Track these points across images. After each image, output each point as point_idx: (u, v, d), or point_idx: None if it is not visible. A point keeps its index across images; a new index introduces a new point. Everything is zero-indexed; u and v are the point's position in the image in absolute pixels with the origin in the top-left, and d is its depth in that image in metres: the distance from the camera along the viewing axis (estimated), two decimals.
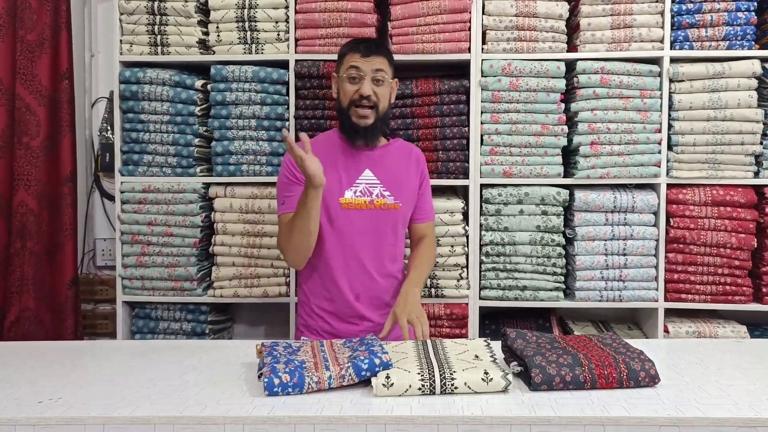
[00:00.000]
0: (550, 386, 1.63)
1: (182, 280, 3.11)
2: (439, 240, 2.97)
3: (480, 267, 3.04)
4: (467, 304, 3.04)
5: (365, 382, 1.65)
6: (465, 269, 3.03)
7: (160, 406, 1.56)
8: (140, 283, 3.14)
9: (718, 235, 2.91)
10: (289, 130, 3.05)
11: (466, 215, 3.01)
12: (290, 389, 1.62)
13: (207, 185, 3.12)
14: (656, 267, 2.98)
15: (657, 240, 2.96)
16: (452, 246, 2.99)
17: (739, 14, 2.88)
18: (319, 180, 2.10)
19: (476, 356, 1.77)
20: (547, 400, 1.56)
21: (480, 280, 3.04)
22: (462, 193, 3.13)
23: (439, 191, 3.12)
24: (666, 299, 2.98)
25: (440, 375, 1.63)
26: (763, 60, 2.91)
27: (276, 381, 1.62)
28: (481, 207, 3.01)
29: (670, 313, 3.06)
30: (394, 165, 2.40)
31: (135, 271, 3.13)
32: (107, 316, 3.46)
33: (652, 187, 3.01)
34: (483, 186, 3.02)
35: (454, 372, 1.64)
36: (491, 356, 1.77)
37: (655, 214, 2.97)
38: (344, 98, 2.33)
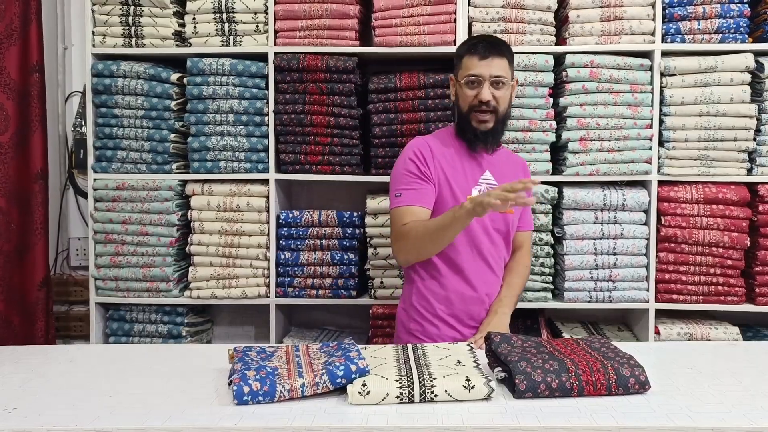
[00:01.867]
0: (535, 393, 1.54)
1: (158, 281, 3.01)
2: None
3: None
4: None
5: (341, 390, 1.55)
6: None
7: (121, 417, 1.46)
8: (114, 284, 3.04)
9: (710, 234, 2.83)
10: (267, 125, 2.95)
11: None
12: (261, 398, 1.52)
13: (183, 182, 3.03)
14: (647, 267, 2.90)
15: (648, 239, 2.88)
16: None
17: (732, 6, 2.80)
18: (485, 214, 2.04)
19: (458, 361, 1.68)
20: (532, 409, 1.47)
21: None
22: None
23: None
24: (657, 300, 2.90)
25: (419, 382, 1.53)
26: (757, 54, 2.83)
27: (246, 389, 1.52)
28: None
29: (661, 314, 2.98)
30: (507, 170, 2.35)
31: (109, 271, 3.03)
32: (82, 318, 3.35)
33: (643, 185, 2.92)
34: None
35: (434, 379, 1.55)
36: (474, 361, 1.68)
37: (646, 212, 2.89)
38: (463, 104, 2.26)
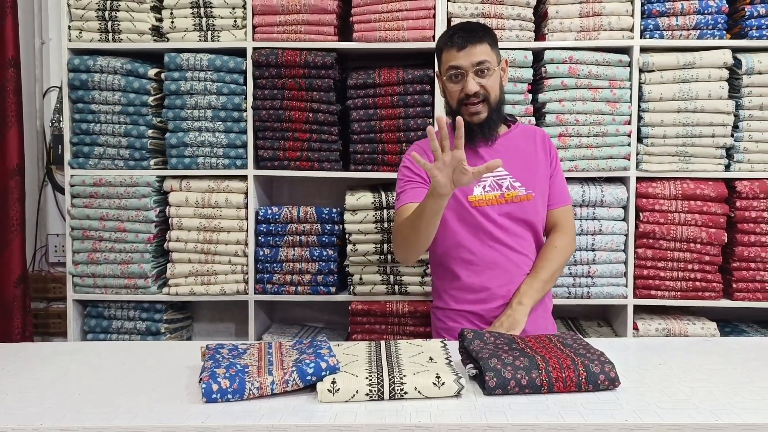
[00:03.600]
0: (505, 390, 1.53)
1: (136, 278, 2.99)
2: None
3: None
4: (432, 301, 2.94)
5: (312, 388, 1.54)
6: (429, 265, 2.92)
7: (88, 415, 1.44)
8: (92, 280, 3.01)
9: (688, 230, 2.84)
10: (246, 121, 2.94)
11: None
12: (230, 395, 1.51)
13: (161, 178, 3.01)
14: (625, 263, 2.90)
15: (626, 235, 2.88)
16: None
17: (711, 2, 2.80)
18: (444, 191, 1.90)
19: (430, 358, 1.68)
20: (501, 406, 1.46)
21: None
22: None
23: None
24: (635, 296, 2.90)
25: (389, 379, 1.52)
26: (735, 50, 2.84)
27: (215, 387, 1.51)
28: None
29: (639, 309, 2.99)
30: (521, 152, 2.24)
31: (86, 268, 3.01)
32: (60, 315, 3.33)
33: (622, 181, 2.92)
34: None
35: (404, 376, 1.54)
36: (446, 358, 1.67)
37: (625, 208, 2.89)
38: (451, 99, 2.20)
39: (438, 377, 1.53)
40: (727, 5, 2.82)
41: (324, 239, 2.95)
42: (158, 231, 3.01)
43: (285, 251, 2.97)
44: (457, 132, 1.84)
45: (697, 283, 2.87)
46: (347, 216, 2.90)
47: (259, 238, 2.99)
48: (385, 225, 2.87)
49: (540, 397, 1.51)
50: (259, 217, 2.98)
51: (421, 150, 2.27)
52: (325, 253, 2.96)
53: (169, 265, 3.01)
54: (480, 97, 2.14)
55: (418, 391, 1.51)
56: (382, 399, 1.50)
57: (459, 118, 1.87)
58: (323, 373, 1.56)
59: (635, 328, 2.89)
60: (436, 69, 2.31)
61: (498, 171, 2.20)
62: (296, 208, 2.97)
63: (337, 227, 2.95)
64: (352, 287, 2.96)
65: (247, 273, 2.99)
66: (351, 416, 1.42)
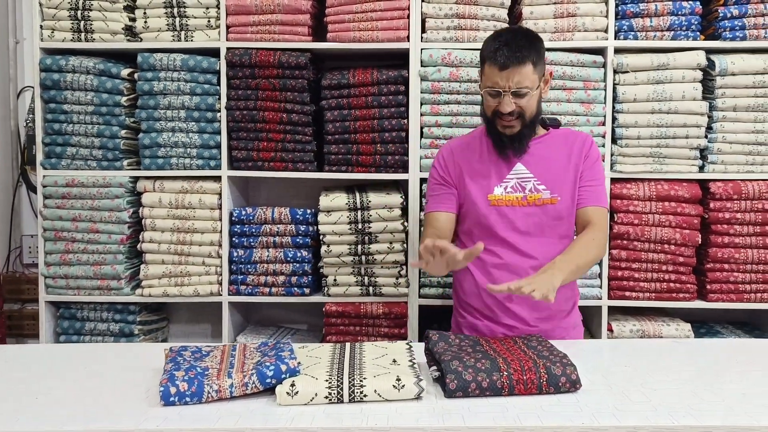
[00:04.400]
0: (466, 393, 1.53)
1: (109, 279, 2.97)
2: (377, 236, 2.87)
3: None
4: (406, 302, 2.93)
5: (273, 390, 1.53)
6: (404, 267, 2.92)
7: (42, 419, 1.43)
8: (65, 282, 2.99)
9: (662, 231, 2.84)
10: (220, 121, 2.92)
11: (405, 210, 2.90)
12: (188, 398, 1.50)
13: (135, 179, 2.98)
14: (600, 264, 2.90)
15: None
16: (391, 243, 2.88)
17: (684, 4, 2.80)
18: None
19: (394, 360, 1.67)
20: (461, 408, 1.46)
21: (420, 277, 2.94)
22: (401, 187, 3.00)
23: (379, 186, 3.01)
24: (610, 297, 2.90)
25: (349, 382, 1.52)
26: (709, 51, 2.84)
27: (173, 390, 1.50)
28: (420, 202, 2.90)
29: (615, 311, 2.98)
30: (552, 156, 2.20)
31: (59, 269, 2.98)
32: (34, 317, 3.29)
33: None
34: (423, 180, 2.90)
35: (365, 379, 1.53)
36: (410, 361, 1.67)
37: None
38: (487, 109, 2.17)
39: (398, 380, 1.53)
40: (700, 7, 2.82)
41: (298, 240, 2.94)
42: (131, 232, 2.99)
43: (259, 252, 2.95)
44: (468, 252, 1.91)
45: (672, 285, 2.87)
46: (321, 217, 2.88)
47: (233, 239, 2.97)
48: (360, 226, 2.86)
49: (501, 400, 1.51)
50: (233, 218, 2.96)
51: (450, 151, 2.29)
52: (299, 254, 2.94)
53: (142, 266, 2.99)
54: (515, 115, 2.12)
55: (378, 394, 1.51)
56: (342, 402, 1.50)
57: (428, 245, 1.92)
58: (283, 376, 1.55)
59: (610, 329, 2.89)
60: (477, 72, 2.31)
61: (522, 173, 2.19)
62: (270, 209, 2.95)
63: (311, 228, 2.94)
64: (326, 288, 2.94)
65: (221, 274, 2.97)
66: (309, 419, 1.42)
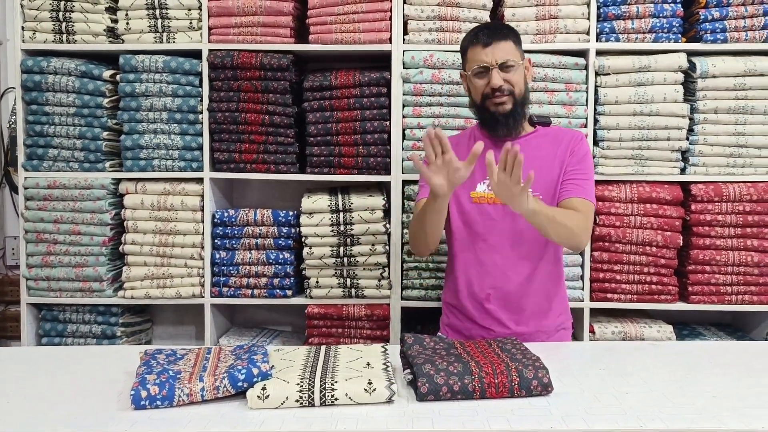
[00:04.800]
0: (437, 396, 1.52)
1: (91, 281, 2.96)
2: (359, 238, 2.87)
3: (402, 266, 2.93)
4: (389, 304, 2.93)
5: (245, 394, 1.53)
6: (386, 268, 2.92)
7: (9, 423, 1.43)
8: (46, 283, 2.98)
9: (644, 233, 2.84)
10: (202, 123, 2.91)
11: (387, 212, 2.90)
12: (159, 402, 1.50)
13: (117, 181, 2.97)
14: (582, 266, 2.90)
15: None
16: (373, 245, 2.88)
17: (666, 6, 2.81)
18: (440, 191, 2.00)
19: (368, 364, 1.67)
20: (431, 412, 1.46)
21: (402, 279, 2.94)
22: (383, 189, 3.00)
23: (362, 188, 3.01)
24: (591, 299, 2.90)
25: (320, 386, 1.51)
26: (690, 53, 2.84)
27: (143, 393, 1.50)
28: (403, 204, 2.90)
29: (597, 312, 2.99)
30: (538, 153, 2.20)
31: (40, 271, 2.97)
32: (17, 319, 3.27)
33: None
34: (405, 182, 2.91)
35: (336, 382, 1.53)
36: (384, 364, 1.67)
37: None
38: (476, 95, 2.20)
39: (370, 383, 1.53)
40: (682, 9, 2.83)
41: (280, 242, 2.93)
42: (113, 234, 2.98)
43: (241, 254, 2.94)
44: (439, 141, 1.96)
45: (653, 287, 2.88)
46: (303, 219, 2.88)
47: (216, 240, 2.97)
48: (342, 228, 2.86)
49: (473, 403, 1.51)
50: (215, 220, 2.96)
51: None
52: (281, 256, 2.93)
53: (124, 268, 2.98)
54: (505, 91, 2.15)
55: (349, 398, 1.51)
56: (313, 405, 1.50)
57: (430, 129, 1.98)
58: (255, 379, 1.55)
59: (591, 331, 2.89)
60: (461, 67, 2.29)
61: None
62: (252, 210, 2.95)
63: (293, 230, 2.93)
64: (308, 290, 2.94)
65: (203, 276, 2.97)
66: (278, 423, 1.42)
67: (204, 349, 1.79)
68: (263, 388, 1.51)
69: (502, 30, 2.20)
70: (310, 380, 1.54)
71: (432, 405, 1.50)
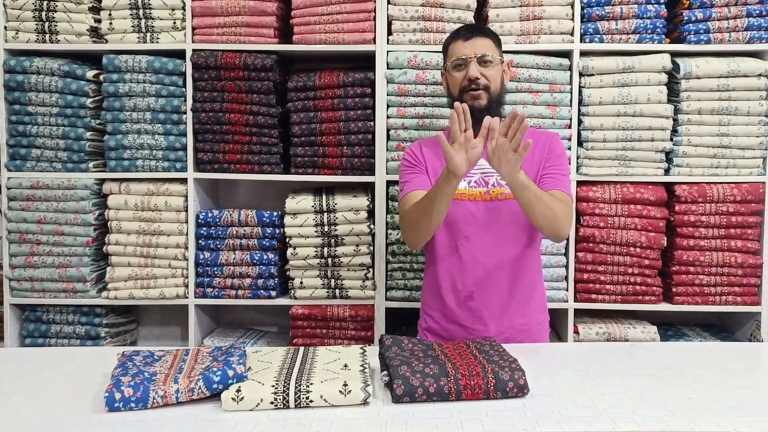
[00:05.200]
0: (413, 398, 1.52)
1: (74, 281, 2.95)
2: (343, 239, 2.86)
3: (386, 267, 2.92)
4: (373, 305, 2.93)
5: (220, 396, 1.52)
6: (371, 269, 2.91)
7: None
8: (30, 284, 2.97)
9: (628, 234, 2.84)
10: (185, 123, 2.91)
11: (371, 213, 2.89)
12: (133, 404, 1.49)
13: (100, 181, 2.97)
14: (566, 266, 2.90)
15: (567, 239, 2.88)
16: (357, 245, 2.88)
17: (649, 7, 2.81)
18: (460, 171, 1.98)
19: (345, 365, 1.66)
20: (406, 414, 1.46)
21: (386, 280, 2.93)
22: (368, 190, 3.00)
23: (347, 188, 3.00)
24: (576, 299, 2.90)
25: (296, 387, 1.51)
26: (674, 54, 2.85)
27: (117, 396, 1.49)
28: (387, 204, 2.90)
29: (582, 313, 2.99)
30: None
31: (24, 271, 2.96)
32: (2, 319, 3.27)
33: None
34: (390, 183, 2.90)
35: (311, 384, 1.52)
36: (362, 365, 1.66)
37: None
38: (454, 88, 2.23)
39: (345, 385, 1.52)
40: (665, 10, 2.83)
41: (265, 243, 2.93)
42: (97, 234, 2.97)
43: (225, 255, 2.94)
44: (464, 116, 1.96)
45: (637, 287, 2.88)
46: (287, 219, 2.88)
47: (200, 241, 2.96)
48: (326, 228, 2.85)
49: (448, 405, 1.51)
50: (200, 221, 2.95)
51: (419, 147, 2.32)
52: (265, 256, 2.93)
53: (108, 268, 2.97)
54: (481, 85, 2.17)
55: (324, 399, 1.50)
56: (288, 407, 1.49)
57: (458, 104, 1.97)
58: (230, 381, 1.54)
59: (576, 332, 2.89)
60: (443, 65, 2.32)
61: (486, 168, 2.21)
62: (237, 211, 2.94)
63: (277, 231, 2.93)
64: (292, 291, 2.94)
65: (187, 277, 2.96)
66: (252, 425, 1.41)
67: (182, 350, 1.78)
68: (238, 390, 1.50)
69: (484, 29, 2.26)
70: (285, 382, 1.54)
71: (407, 407, 1.50)
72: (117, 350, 1.84)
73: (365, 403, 1.51)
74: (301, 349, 1.82)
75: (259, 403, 1.49)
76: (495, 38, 2.25)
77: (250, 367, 1.64)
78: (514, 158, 1.93)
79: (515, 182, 1.99)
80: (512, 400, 1.53)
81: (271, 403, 1.49)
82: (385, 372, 1.64)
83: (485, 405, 1.50)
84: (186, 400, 1.52)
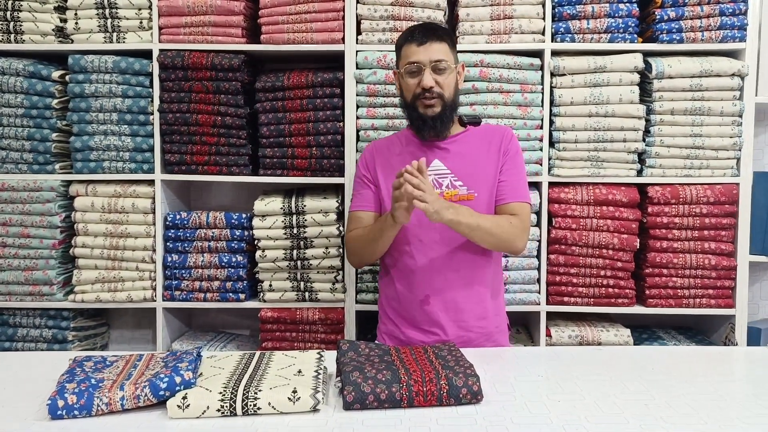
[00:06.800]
0: (364, 405, 1.49)
1: (40, 284, 2.91)
2: (312, 241, 2.82)
3: (356, 270, 2.89)
4: (343, 308, 2.89)
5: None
6: (340, 272, 2.88)
7: None
8: None
9: (600, 236, 2.81)
10: (152, 124, 2.86)
11: (341, 215, 2.86)
12: (76, 411, 1.46)
13: (67, 183, 2.92)
14: (538, 269, 2.87)
15: (539, 241, 2.85)
16: (326, 248, 2.84)
17: (621, 6, 2.78)
18: (403, 221, 2.03)
19: (299, 371, 1.63)
20: (355, 421, 1.43)
21: (356, 283, 2.89)
22: (338, 191, 2.96)
23: (318, 190, 2.97)
24: (548, 302, 2.87)
25: (243, 395, 1.47)
26: (646, 54, 2.82)
27: (60, 403, 1.46)
28: None
29: (555, 316, 2.96)
30: (470, 152, 2.21)
31: None
32: None
33: (534, 186, 2.87)
34: None
35: (260, 391, 1.49)
36: (316, 371, 1.62)
37: (537, 213, 2.85)
38: (407, 93, 2.19)
39: (294, 392, 1.49)
40: (638, 9, 2.80)
41: (233, 245, 2.89)
42: (64, 237, 2.93)
43: (194, 257, 2.89)
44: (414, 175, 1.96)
45: (610, 290, 2.85)
46: (256, 221, 2.84)
47: (168, 243, 2.92)
48: (295, 231, 2.81)
49: (399, 412, 1.48)
50: (168, 223, 2.91)
51: (372, 150, 2.32)
52: (234, 259, 2.89)
53: (75, 271, 2.93)
54: (435, 93, 2.14)
55: (272, 407, 1.47)
56: (235, 415, 1.46)
57: (410, 167, 1.96)
58: (177, 388, 1.51)
59: (548, 335, 2.86)
60: (395, 66, 2.31)
61: (440, 170, 2.19)
62: (205, 213, 2.90)
63: (246, 233, 2.89)
64: (261, 294, 2.90)
65: (155, 279, 2.92)
66: None
67: (135, 355, 1.75)
68: (184, 398, 1.47)
69: (438, 31, 2.19)
70: (233, 389, 1.50)
71: (358, 414, 1.47)
72: (70, 355, 1.81)
73: (315, 410, 1.48)
74: (257, 354, 1.78)
75: (205, 411, 1.45)
76: (450, 40, 2.20)
77: (201, 373, 1.60)
78: (405, 206, 1.99)
79: (443, 221, 2.01)
80: (465, 407, 1.50)
81: (218, 410, 1.46)
82: (339, 378, 1.61)
83: (437, 412, 1.47)
84: (131, 407, 1.49)
